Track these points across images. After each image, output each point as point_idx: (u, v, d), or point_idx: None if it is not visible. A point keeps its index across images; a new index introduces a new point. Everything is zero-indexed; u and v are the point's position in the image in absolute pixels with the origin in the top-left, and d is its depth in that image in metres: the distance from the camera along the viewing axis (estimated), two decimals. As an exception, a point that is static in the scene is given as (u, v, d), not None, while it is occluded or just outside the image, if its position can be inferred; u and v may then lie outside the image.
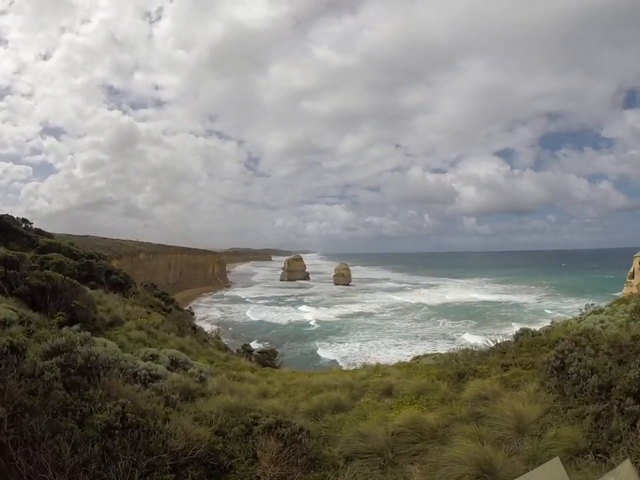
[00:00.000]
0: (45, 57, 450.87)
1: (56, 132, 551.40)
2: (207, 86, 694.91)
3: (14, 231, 29.80)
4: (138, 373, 9.23)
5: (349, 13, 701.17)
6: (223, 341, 33.53)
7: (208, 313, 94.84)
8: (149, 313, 22.71)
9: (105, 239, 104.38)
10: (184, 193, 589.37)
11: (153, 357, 11.45)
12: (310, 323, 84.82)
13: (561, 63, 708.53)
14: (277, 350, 32.29)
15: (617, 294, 79.00)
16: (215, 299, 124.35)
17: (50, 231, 38.05)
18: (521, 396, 8.04)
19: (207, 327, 40.72)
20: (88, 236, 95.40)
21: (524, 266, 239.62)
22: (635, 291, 47.85)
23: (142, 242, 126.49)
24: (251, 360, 24.58)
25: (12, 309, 11.68)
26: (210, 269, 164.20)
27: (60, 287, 15.51)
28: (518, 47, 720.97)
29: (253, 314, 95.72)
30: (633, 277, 64.77)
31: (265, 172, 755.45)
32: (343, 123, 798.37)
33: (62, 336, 8.30)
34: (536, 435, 6.63)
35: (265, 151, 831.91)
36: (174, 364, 11.76)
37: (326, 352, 60.33)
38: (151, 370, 9.58)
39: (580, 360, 8.22)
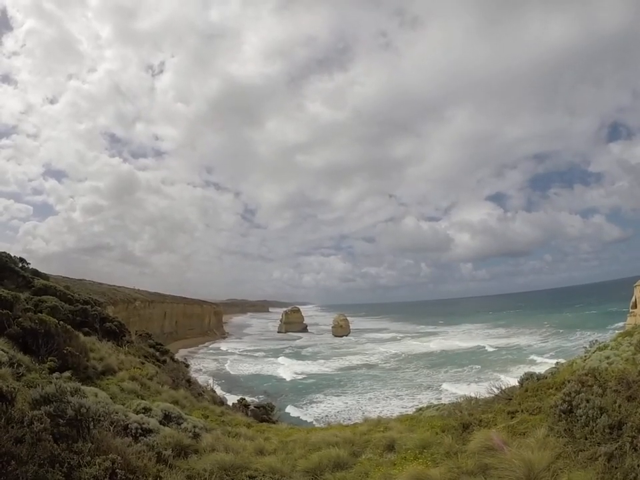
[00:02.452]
0: (52, 101, 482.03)
1: (58, 174, 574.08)
2: (205, 138, 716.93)
3: (10, 269, 29.67)
4: (129, 426, 8.90)
5: (339, 69, 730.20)
6: (218, 394, 32.71)
7: (203, 365, 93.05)
8: (143, 363, 22.25)
9: (101, 284, 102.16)
10: (181, 243, 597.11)
11: (146, 410, 11.03)
12: (308, 375, 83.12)
13: (542, 105, 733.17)
14: (274, 404, 31.32)
15: (620, 324, 78.73)
16: (211, 351, 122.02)
17: (46, 272, 37.90)
18: (529, 443, 7.74)
19: (202, 379, 39.87)
20: (84, 280, 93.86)
21: (523, 307, 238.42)
22: (638, 320, 47.26)
23: (138, 289, 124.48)
24: (247, 414, 23.87)
25: (2, 350, 11.35)
26: (206, 319, 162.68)
27: (53, 332, 15.23)
28: (500, 94, 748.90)
29: (249, 366, 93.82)
30: (636, 307, 64.46)
31: (261, 224, 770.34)
32: (335, 176, 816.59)
33: (52, 383, 8.02)
34: (548, 483, 6.33)
35: (261, 203, 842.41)
36: (167, 418, 11.31)
37: (321, 406, 58.69)
38: (143, 423, 9.23)
39: (588, 401, 8.00)
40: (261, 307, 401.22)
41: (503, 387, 14.07)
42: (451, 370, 79.42)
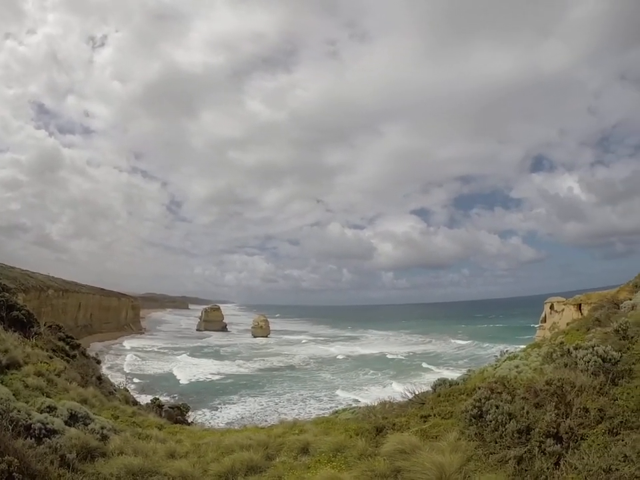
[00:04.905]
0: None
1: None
2: (137, 122, 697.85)
3: None
4: (32, 426, 8.29)
5: (284, 70, 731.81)
6: (132, 393, 31.53)
7: (117, 362, 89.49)
8: (51, 357, 20.92)
9: (13, 268, 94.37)
10: (102, 230, 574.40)
11: (50, 409, 10.36)
12: (226, 375, 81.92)
13: (474, 131, 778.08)
14: (189, 405, 30.41)
15: (528, 337, 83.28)
16: (126, 347, 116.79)
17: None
18: (441, 446, 7.90)
19: (115, 377, 38.33)
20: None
21: (440, 317, 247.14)
22: (547, 334, 50.55)
23: (53, 277, 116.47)
24: (160, 415, 23.03)
25: None
26: (123, 313, 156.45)
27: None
28: (436, 116, 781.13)
29: (165, 365, 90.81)
30: (545, 321, 69.51)
31: (187, 217, 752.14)
32: (267, 175, 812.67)
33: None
34: (459, 485, 6.50)
35: (189, 196, 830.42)
36: (73, 418, 10.65)
37: (236, 408, 57.90)
38: (47, 424, 8.65)
39: (497, 407, 8.27)
40: (180, 303, 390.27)
41: (417, 392, 14.37)
42: (368, 374, 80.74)
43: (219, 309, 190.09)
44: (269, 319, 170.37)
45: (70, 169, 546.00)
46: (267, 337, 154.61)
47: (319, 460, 9.03)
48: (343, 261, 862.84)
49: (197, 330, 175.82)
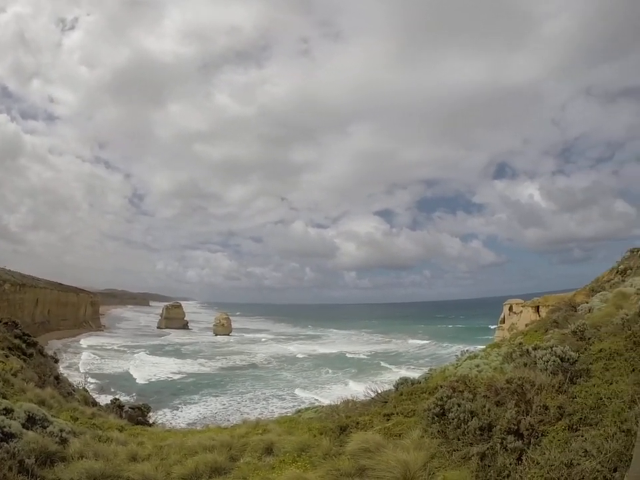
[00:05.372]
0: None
1: None
2: (103, 110, 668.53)
3: None
4: (-13, 430, 8.03)
5: (255, 65, 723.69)
6: (91, 393, 30.78)
7: (75, 360, 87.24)
8: (7, 356, 20.36)
9: None
10: (61, 222, 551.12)
11: (7, 411, 10.03)
12: (187, 374, 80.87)
13: (440, 136, 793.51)
14: (151, 405, 29.76)
15: (488, 337, 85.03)
16: (85, 345, 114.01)
17: None
18: (405, 444, 7.97)
19: (74, 377, 37.35)
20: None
21: (401, 317, 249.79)
22: (506, 334, 51.86)
23: (9, 270, 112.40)
24: (121, 416, 22.50)
25: None
26: (82, 309, 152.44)
27: None
28: (404, 119, 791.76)
29: (126, 364, 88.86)
30: (504, 322, 71.61)
31: (149, 211, 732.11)
32: (232, 171, 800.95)
33: None
34: (425, 481, 6.59)
35: (151, 188, 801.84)
36: (31, 420, 10.31)
37: (198, 408, 57.20)
38: (4, 427, 8.36)
39: (459, 405, 8.41)
40: (141, 299, 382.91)
41: (379, 391, 14.49)
42: (328, 373, 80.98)
43: (180, 306, 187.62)
44: (230, 317, 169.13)
45: (31, 157, 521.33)
46: (228, 335, 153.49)
47: (284, 460, 9.01)
48: (305, 260, 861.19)
49: (157, 328, 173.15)
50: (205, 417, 49.91)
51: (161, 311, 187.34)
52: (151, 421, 24.81)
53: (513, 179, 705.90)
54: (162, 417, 43.56)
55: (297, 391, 64.40)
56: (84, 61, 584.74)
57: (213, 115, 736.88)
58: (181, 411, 55.05)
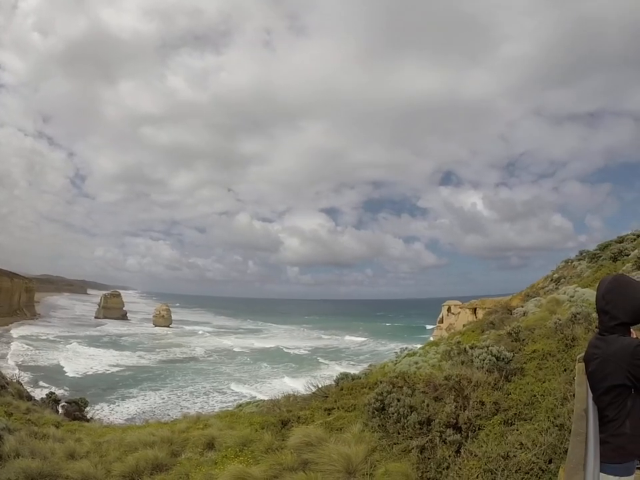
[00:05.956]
0: None
1: None
2: (51, 82, 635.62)
3: None
4: None
5: (213, 51, 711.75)
6: (25, 387, 29.48)
7: (7, 351, 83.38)
8: None
9: None
10: None
11: None
12: (125, 367, 78.85)
13: (391, 140, 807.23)
14: (88, 399, 28.64)
15: (426, 336, 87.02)
16: (19, 334, 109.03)
17: None
18: (346, 438, 8.12)
19: (6, 369, 35.75)
20: None
21: (342, 314, 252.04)
22: (444, 334, 53.37)
23: None
24: (57, 411, 21.81)
25: None
26: (16, 296, 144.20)
27: None
28: (358, 120, 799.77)
29: (61, 355, 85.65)
30: (442, 322, 73.89)
31: (90, 193, 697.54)
32: (178, 157, 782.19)
33: None
34: (367, 474, 6.77)
35: (94, 170, 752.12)
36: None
37: (137, 402, 55.88)
38: None
39: (399, 400, 8.62)
40: (79, 287, 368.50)
41: (320, 385, 14.62)
42: (268, 367, 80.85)
43: (119, 295, 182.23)
44: (171, 308, 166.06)
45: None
46: (168, 326, 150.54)
47: (226, 455, 8.98)
48: (249, 253, 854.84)
49: (95, 317, 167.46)
50: (144, 412, 48.66)
51: (99, 300, 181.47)
52: (88, 416, 24.04)
53: (457, 187, 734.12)
54: (99, 411, 42.12)
55: (237, 386, 63.77)
56: (38, 27, 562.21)
57: (164, 98, 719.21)
58: (119, 406, 53.47)
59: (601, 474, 2.76)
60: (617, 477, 2.89)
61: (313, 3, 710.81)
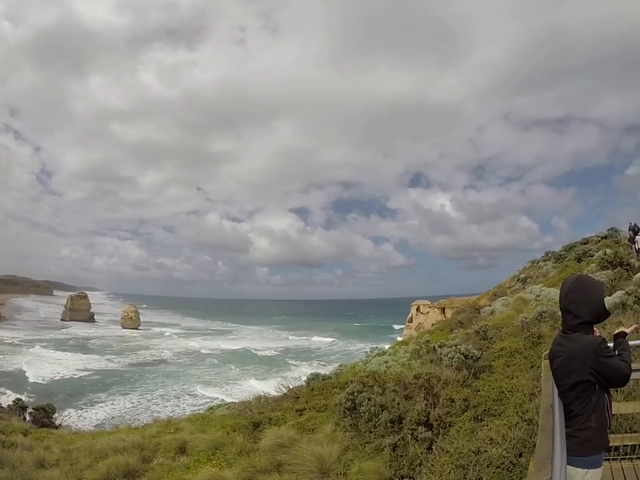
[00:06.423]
0: None
1: None
2: (20, 73, 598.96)
3: None
4: None
5: (185, 47, 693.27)
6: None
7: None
8: None
9: None
10: None
11: None
12: (94, 371, 77.15)
13: (361, 141, 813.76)
14: (56, 406, 27.78)
15: (395, 335, 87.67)
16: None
17: None
18: (319, 438, 8.19)
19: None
20: None
21: (312, 314, 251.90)
22: (413, 333, 54.00)
23: None
24: (24, 419, 21.27)
25: None
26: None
27: None
28: (328, 120, 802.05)
29: (26, 359, 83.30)
30: (411, 321, 74.77)
31: (57, 190, 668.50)
32: (148, 155, 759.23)
33: None
34: (341, 473, 6.84)
35: (62, 166, 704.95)
36: None
37: (106, 407, 54.69)
38: None
39: (370, 399, 8.72)
40: (45, 288, 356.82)
41: (291, 386, 14.63)
42: (238, 369, 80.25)
43: (86, 296, 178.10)
44: (139, 310, 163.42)
45: None
46: (137, 328, 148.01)
47: (198, 459, 8.93)
48: (218, 253, 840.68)
49: (61, 320, 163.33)
50: (113, 417, 47.46)
51: (65, 302, 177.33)
52: (57, 423, 23.49)
53: (426, 189, 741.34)
54: (67, 418, 41.21)
55: (207, 389, 63.10)
56: (8, 15, 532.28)
57: (135, 93, 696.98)
58: (88, 412, 52.23)
59: (569, 466, 2.87)
60: (585, 469, 3.01)
61: (286, 2, 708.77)
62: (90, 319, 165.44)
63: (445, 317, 55.65)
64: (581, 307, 3.10)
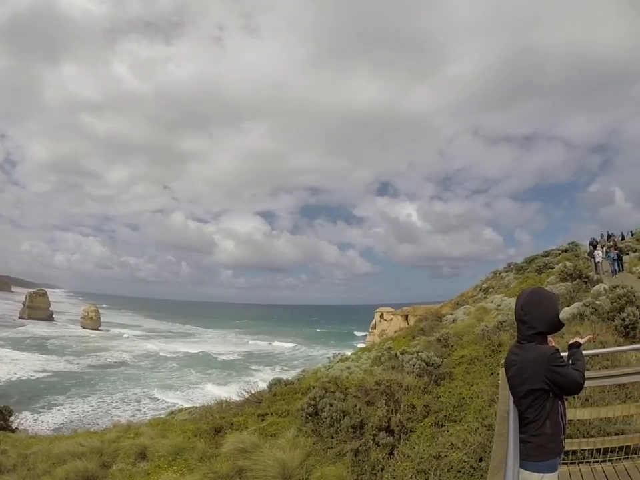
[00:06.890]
0: None
1: None
2: None
3: None
4: None
5: (162, 41, 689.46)
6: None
7: None
8: None
9: None
10: None
11: None
12: (52, 372, 75.06)
13: (331, 148, 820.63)
14: (12, 408, 26.67)
15: (358, 342, 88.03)
16: None
17: None
18: (281, 444, 8.21)
19: None
20: None
21: (275, 318, 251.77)
22: (377, 339, 54.47)
23: None
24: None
25: None
26: None
27: None
28: (299, 125, 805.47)
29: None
30: (375, 328, 75.40)
31: (20, 181, 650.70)
32: (116, 149, 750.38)
33: None
34: (303, 479, 6.86)
35: (26, 156, 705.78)
36: None
37: (64, 410, 53.25)
38: None
39: (331, 405, 8.81)
40: (4, 284, 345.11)
41: (253, 391, 14.61)
42: (198, 372, 79.37)
43: (45, 294, 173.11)
44: (100, 310, 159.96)
45: None
46: (97, 329, 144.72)
47: (159, 465, 8.87)
48: (182, 254, 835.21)
49: (19, 318, 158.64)
50: (72, 421, 46.27)
51: (23, 299, 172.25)
52: (13, 427, 22.74)
53: (394, 198, 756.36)
54: (24, 421, 40.12)
55: (166, 392, 62.20)
56: None
57: (107, 85, 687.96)
58: (45, 415, 50.80)
59: (525, 471, 3.01)
60: (541, 474, 3.13)
61: (269, 5, 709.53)
62: (49, 317, 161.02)
63: (407, 324, 56.29)
64: (536, 319, 3.22)
